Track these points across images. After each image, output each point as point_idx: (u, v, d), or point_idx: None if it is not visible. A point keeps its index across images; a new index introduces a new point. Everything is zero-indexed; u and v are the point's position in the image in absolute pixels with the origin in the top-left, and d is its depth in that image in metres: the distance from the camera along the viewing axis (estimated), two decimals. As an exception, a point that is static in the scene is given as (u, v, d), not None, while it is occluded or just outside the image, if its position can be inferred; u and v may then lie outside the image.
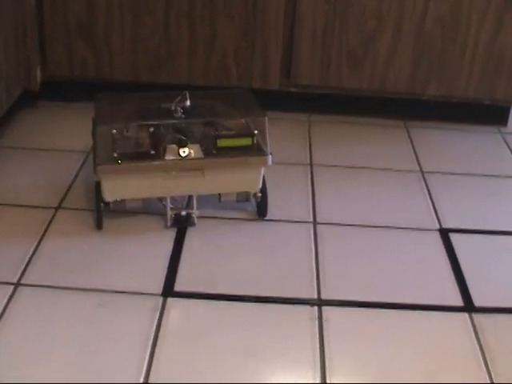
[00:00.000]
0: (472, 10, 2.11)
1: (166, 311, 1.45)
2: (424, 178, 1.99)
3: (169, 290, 1.51)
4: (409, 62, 2.18)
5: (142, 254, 1.61)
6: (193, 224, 1.69)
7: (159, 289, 1.51)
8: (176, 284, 1.53)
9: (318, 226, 1.74)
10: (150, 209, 1.72)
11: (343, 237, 1.70)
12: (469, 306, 1.51)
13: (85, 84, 2.27)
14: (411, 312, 1.48)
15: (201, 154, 1.61)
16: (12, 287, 1.48)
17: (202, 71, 2.21)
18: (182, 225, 1.69)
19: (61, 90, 2.31)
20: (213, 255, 1.63)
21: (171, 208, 1.67)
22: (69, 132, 2.14)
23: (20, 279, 1.51)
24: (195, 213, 1.69)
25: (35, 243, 1.63)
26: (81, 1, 2.14)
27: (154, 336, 1.38)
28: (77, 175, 1.89)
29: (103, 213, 1.66)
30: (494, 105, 2.29)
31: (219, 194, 1.69)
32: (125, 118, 1.65)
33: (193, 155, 1.60)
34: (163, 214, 1.70)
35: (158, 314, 1.44)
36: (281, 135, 2.15)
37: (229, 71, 2.21)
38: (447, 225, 1.77)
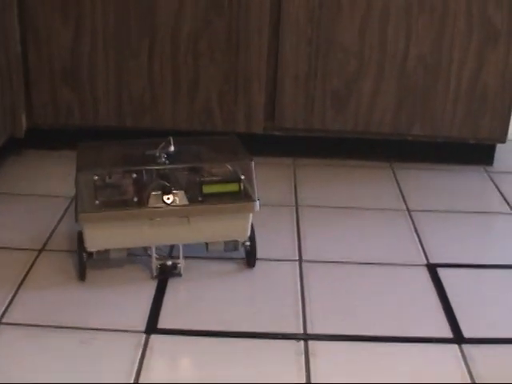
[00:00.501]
0: (453, 47, 2.12)
1: (148, 348, 1.41)
2: (410, 216, 1.98)
3: (152, 327, 1.49)
4: (392, 102, 2.19)
5: (123, 302, 1.57)
6: (179, 274, 1.65)
7: (142, 326, 1.49)
8: (159, 321, 1.51)
9: (304, 264, 1.73)
10: (134, 259, 1.69)
11: (329, 274, 1.69)
12: (458, 338, 1.50)
13: (70, 131, 2.27)
14: (400, 344, 1.46)
15: (186, 201, 1.56)
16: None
17: (186, 116, 2.21)
18: (167, 275, 1.65)
19: (46, 138, 2.32)
20: (197, 293, 1.61)
21: (156, 258, 1.62)
22: (53, 178, 2.13)
23: (1, 318, 1.49)
24: (181, 262, 1.64)
25: (17, 284, 1.61)
26: (65, 47, 2.15)
27: (136, 371, 1.35)
28: (61, 219, 1.89)
29: (86, 263, 1.62)
30: (479, 144, 2.29)
31: (206, 243, 1.66)
32: (107, 164, 1.60)
33: (178, 202, 1.55)
34: (148, 264, 1.65)
35: (140, 351, 1.40)
36: (266, 179, 2.14)
37: (213, 115, 2.21)
38: (434, 260, 1.77)
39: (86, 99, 2.21)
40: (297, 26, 2.12)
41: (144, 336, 1.46)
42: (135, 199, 1.54)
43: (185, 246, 1.64)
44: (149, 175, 1.56)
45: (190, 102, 2.20)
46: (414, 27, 2.12)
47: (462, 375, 1.38)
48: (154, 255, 1.61)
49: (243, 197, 1.59)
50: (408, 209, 2.03)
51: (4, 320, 1.49)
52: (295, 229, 1.90)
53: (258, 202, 1.59)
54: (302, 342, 1.45)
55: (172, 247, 1.71)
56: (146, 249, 1.63)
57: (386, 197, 2.11)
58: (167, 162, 1.57)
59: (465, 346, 1.47)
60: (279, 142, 2.30)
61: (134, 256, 1.67)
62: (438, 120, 2.21)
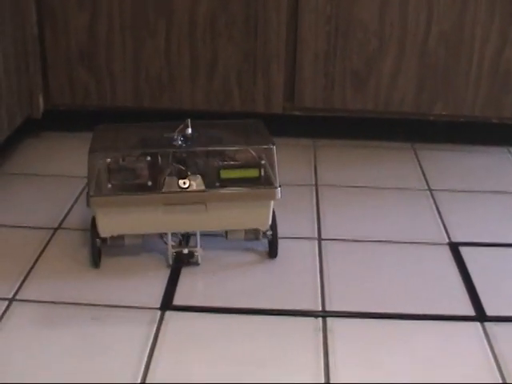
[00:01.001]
0: (475, 25, 2.08)
1: (163, 325, 1.40)
2: (432, 196, 1.95)
3: (167, 304, 1.47)
4: (413, 81, 2.15)
5: (138, 284, 1.55)
6: (196, 263, 1.58)
7: (157, 303, 1.47)
8: (175, 298, 1.49)
9: (323, 242, 1.70)
10: (150, 246, 1.63)
11: (349, 252, 1.66)
12: (481, 316, 1.46)
13: (87, 112, 2.25)
14: (420, 322, 1.43)
15: (203, 186, 1.50)
16: (6, 302, 1.46)
17: (204, 96, 2.19)
18: (184, 264, 1.59)
19: (63, 119, 2.30)
20: (215, 275, 1.59)
21: (172, 245, 1.56)
22: (71, 159, 2.11)
23: (15, 295, 1.48)
24: (199, 251, 1.57)
25: (32, 262, 1.60)
26: (82, 27, 2.13)
27: (150, 348, 1.34)
28: (77, 199, 1.87)
29: (101, 250, 1.58)
30: (503, 123, 2.24)
31: (226, 231, 1.59)
32: (122, 147, 1.55)
33: (194, 187, 1.49)
34: (165, 253, 1.60)
35: (155, 328, 1.39)
36: (286, 159, 2.09)
37: (231, 95, 2.18)
38: (457, 239, 1.73)
39: (103, 80, 2.19)
40: (316, 3, 2.09)
41: (159, 313, 1.43)
42: (149, 183, 1.48)
43: (204, 236, 1.59)
44: (164, 158, 1.49)
45: (208, 82, 2.17)
46: (436, 4, 2.08)
47: (484, 353, 1.35)
48: (170, 242, 1.55)
49: (264, 183, 1.52)
50: (430, 188, 2.00)
51: (18, 297, 1.48)
52: (315, 208, 1.87)
53: (279, 188, 1.52)
54: (320, 319, 1.42)
55: (189, 237, 1.65)
56: (162, 236, 1.57)
57: (408, 177, 2.08)
58: (184, 144, 1.51)
59: (487, 324, 1.44)
60: (299, 122, 2.27)
61: (150, 243, 1.62)
62: (460, 99, 2.17)
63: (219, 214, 1.53)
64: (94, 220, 1.53)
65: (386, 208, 1.88)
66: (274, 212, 1.57)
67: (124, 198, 1.48)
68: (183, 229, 1.58)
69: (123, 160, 1.48)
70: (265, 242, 1.63)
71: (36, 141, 2.28)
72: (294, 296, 1.51)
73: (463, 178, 2.09)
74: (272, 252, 1.62)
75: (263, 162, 1.50)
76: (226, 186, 1.50)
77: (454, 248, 1.70)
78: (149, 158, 1.48)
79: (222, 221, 1.54)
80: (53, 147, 2.23)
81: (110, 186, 1.47)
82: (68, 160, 2.11)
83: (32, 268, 1.59)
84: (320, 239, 1.72)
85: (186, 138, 1.52)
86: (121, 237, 1.54)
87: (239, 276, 1.58)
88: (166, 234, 1.55)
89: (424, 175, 2.09)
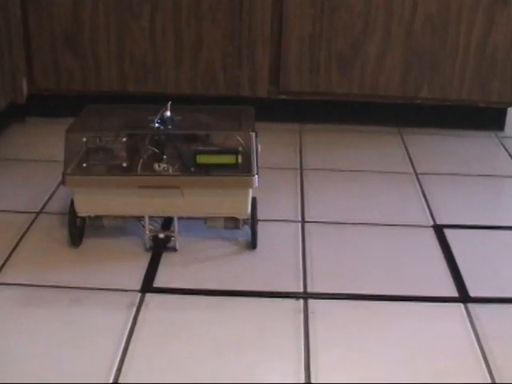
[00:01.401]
0: (462, 8, 2.07)
1: (143, 307, 1.38)
2: (418, 179, 1.94)
3: (148, 286, 1.45)
4: (399, 65, 2.14)
5: (118, 266, 1.53)
6: (174, 249, 1.56)
7: (138, 286, 1.46)
8: (155, 281, 1.48)
9: (307, 225, 1.69)
10: (130, 228, 1.62)
11: (332, 235, 1.65)
12: (464, 297, 1.46)
13: (72, 97, 2.23)
14: (403, 303, 1.42)
15: (178, 171, 1.47)
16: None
17: (189, 79, 2.17)
18: (161, 249, 1.56)
19: (48, 105, 2.29)
20: (194, 258, 1.57)
21: (150, 229, 1.54)
22: (55, 145, 2.06)
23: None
24: (176, 236, 1.55)
25: (13, 245, 1.59)
26: (66, 10, 2.11)
27: (129, 330, 1.33)
28: (60, 184, 1.83)
29: (81, 229, 1.58)
30: (490, 108, 2.23)
31: (205, 218, 1.56)
32: (100, 127, 1.55)
33: (170, 171, 1.47)
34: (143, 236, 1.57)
35: (134, 310, 1.37)
36: (271, 143, 2.11)
37: (216, 79, 2.17)
38: (441, 221, 1.73)
39: (88, 64, 2.18)
40: (301, -14, 2.07)
41: (139, 295, 1.41)
42: (124, 165, 1.47)
43: (183, 223, 1.58)
44: (141, 140, 1.48)
45: (192, 65, 2.16)
46: (422, -14, 2.06)
47: (467, 334, 1.34)
48: (148, 226, 1.53)
49: (241, 170, 1.47)
50: (416, 172, 1.99)
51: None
52: (299, 191, 1.86)
53: (256, 176, 1.47)
54: (301, 301, 1.41)
55: (170, 222, 1.62)
56: (140, 219, 1.56)
57: (394, 161, 2.07)
58: (162, 127, 1.49)
59: (471, 305, 1.43)
60: (285, 106, 2.26)
61: (131, 226, 1.62)
62: (446, 83, 2.16)
63: (195, 200, 1.50)
64: (72, 200, 1.52)
65: (371, 191, 1.88)
66: (255, 200, 1.55)
67: (98, 179, 1.47)
68: (159, 213, 1.55)
69: (100, 140, 1.46)
70: (246, 230, 1.58)
71: (20, 126, 2.27)
72: (275, 278, 1.50)
73: (449, 162, 2.08)
74: (252, 243, 1.58)
75: (241, 148, 1.46)
76: (201, 172, 1.47)
77: (439, 230, 1.69)
78: (124, 139, 1.47)
79: (197, 207, 1.51)
80: (37, 132, 2.22)
81: (84, 165, 1.46)
82: (52, 145, 2.09)
83: (12, 252, 1.57)
84: (303, 222, 1.71)
85: (165, 121, 1.49)
86: (99, 217, 1.54)
87: (220, 259, 1.57)
88: (143, 217, 1.53)
89: (410, 159, 2.09)
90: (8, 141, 2.17)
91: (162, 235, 1.55)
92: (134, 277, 1.49)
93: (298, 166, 2.01)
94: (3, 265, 1.52)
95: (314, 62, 2.15)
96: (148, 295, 1.43)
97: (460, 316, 1.40)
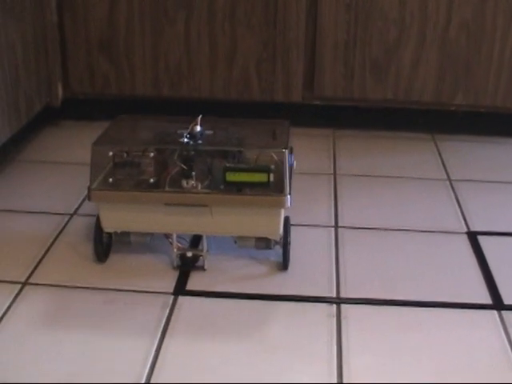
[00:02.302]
0: (497, 14, 2.06)
1: (176, 308, 1.40)
2: (452, 186, 1.93)
3: (180, 289, 1.46)
4: (434, 71, 2.13)
5: (148, 276, 1.51)
6: (202, 268, 1.51)
7: (170, 288, 1.47)
8: (188, 284, 1.48)
9: (340, 230, 1.69)
10: (158, 245, 1.57)
11: (366, 240, 1.64)
12: (498, 304, 1.44)
13: (106, 101, 2.25)
14: (437, 310, 1.41)
15: (207, 188, 1.41)
16: (19, 286, 1.46)
17: (223, 85, 2.18)
18: (189, 267, 1.51)
19: (83, 108, 2.30)
20: (225, 266, 1.56)
21: (178, 247, 1.49)
22: (88, 148, 2.09)
23: (28, 279, 1.49)
24: (204, 255, 1.50)
25: (46, 247, 1.61)
26: (102, 16, 2.13)
27: (162, 330, 1.33)
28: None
29: (107, 245, 1.54)
30: (524, 114, 2.21)
31: (235, 237, 1.49)
32: (128, 140, 1.48)
33: (198, 188, 1.41)
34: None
35: (167, 311, 1.38)
36: (304, 148, 2.11)
37: (250, 84, 2.17)
38: (475, 228, 1.71)
39: (123, 68, 2.19)
40: (336, -8, 2.07)
41: (172, 297, 1.42)
42: (151, 181, 1.42)
43: (213, 240, 1.54)
44: (169, 156, 1.43)
45: (227, 70, 2.16)
46: (456, -8, 2.05)
47: (501, 341, 1.33)
48: (175, 244, 1.48)
49: (273, 189, 1.40)
50: (449, 178, 1.98)
51: (31, 280, 1.49)
52: (332, 196, 1.86)
53: (289, 196, 1.40)
54: (334, 306, 1.41)
55: (199, 239, 1.56)
56: (167, 236, 1.50)
57: (427, 167, 2.06)
58: (191, 142, 1.43)
59: (505, 313, 1.41)
60: (318, 112, 2.26)
61: (158, 243, 1.56)
62: (481, 89, 2.15)
63: (224, 219, 1.43)
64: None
65: (404, 197, 1.86)
66: (287, 220, 1.49)
67: (124, 194, 1.42)
68: (186, 231, 1.51)
69: (127, 154, 1.41)
70: (278, 250, 1.52)
71: (55, 129, 2.29)
72: (308, 282, 1.49)
73: (483, 169, 2.06)
74: (284, 264, 1.52)
75: (273, 166, 1.40)
76: (231, 190, 1.41)
77: (473, 237, 1.68)
78: (152, 154, 1.41)
79: (227, 226, 1.44)
80: (71, 136, 2.23)
81: (111, 180, 1.42)
82: (86, 148, 2.08)
83: (46, 253, 1.59)
84: (337, 227, 1.70)
85: (194, 135, 1.44)
86: (126, 233, 1.49)
87: (253, 263, 1.56)
88: (171, 234, 1.48)
89: (444, 165, 2.07)
90: (43, 144, 2.19)
91: (189, 254, 1.50)
92: (167, 281, 1.49)
93: (332, 172, 2.01)
94: (36, 266, 1.53)
95: (348, 68, 2.14)
96: (181, 298, 1.42)
97: (494, 323, 1.38)
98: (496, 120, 2.26)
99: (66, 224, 1.70)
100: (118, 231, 1.48)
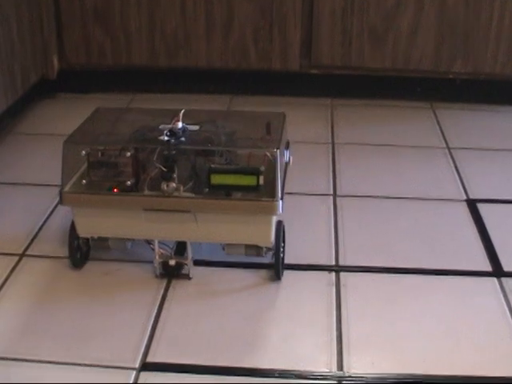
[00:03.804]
0: (496, -21, 2.02)
1: (171, 285, 1.36)
2: (451, 154, 1.92)
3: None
4: (432, 38, 2.12)
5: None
6: (186, 277, 1.38)
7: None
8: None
9: (338, 198, 1.68)
10: (139, 252, 1.44)
11: (364, 208, 1.64)
12: (498, 271, 1.43)
13: (102, 73, 2.23)
14: (436, 277, 1.41)
15: (190, 192, 1.28)
16: (17, 258, 1.45)
17: (220, 53, 2.16)
18: (172, 276, 1.38)
19: (79, 81, 2.29)
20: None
21: (160, 254, 1.36)
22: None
23: (25, 250, 1.48)
24: (189, 263, 1.36)
25: (44, 218, 1.60)
26: (96, -15, 2.09)
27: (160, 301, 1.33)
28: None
29: (85, 250, 1.42)
30: (524, 81, 2.20)
31: (224, 244, 1.35)
32: (104, 138, 1.34)
33: (180, 192, 1.28)
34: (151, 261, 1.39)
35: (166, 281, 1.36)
36: (302, 117, 2.10)
37: (247, 53, 2.16)
38: (474, 195, 1.71)
39: (118, 39, 2.18)
40: (333, -42, 2.04)
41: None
42: (128, 183, 1.28)
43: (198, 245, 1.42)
44: (149, 155, 1.29)
45: (224, 39, 2.15)
46: (455, -42, 2.03)
47: (501, 308, 1.33)
48: (157, 250, 1.35)
49: (263, 193, 1.26)
50: (448, 147, 1.97)
51: (28, 252, 1.49)
52: (331, 165, 1.85)
53: (280, 202, 1.26)
54: (333, 274, 1.40)
55: (184, 245, 1.40)
56: (149, 242, 1.37)
57: (426, 135, 2.05)
58: (172, 140, 1.28)
59: (504, 280, 1.41)
60: (316, 81, 2.24)
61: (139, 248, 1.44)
62: (480, 56, 2.14)
63: (210, 226, 1.30)
64: None
65: (403, 165, 1.86)
66: (280, 225, 1.33)
67: (99, 198, 1.29)
68: (169, 237, 1.37)
69: (102, 154, 1.28)
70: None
71: (51, 102, 2.27)
72: (307, 251, 1.49)
73: (482, 137, 2.05)
74: (276, 273, 1.37)
75: (263, 168, 1.25)
76: (216, 194, 1.28)
77: (472, 205, 1.67)
78: (129, 154, 1.27)
79: (213, 233, 1.31)
80: (68, 108, 2.22)
81: (84, 182, 1.30)
82: (82, 120, 2.09)
83: (43, 224, 1.58)
84: (335, 195, 1.70)
85: (175, 132, 1.29)
86: (104, 239, 1.36)
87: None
88: (153, 240, 1.35)
89: (442, 133, 2.06)
90: (39, 116, 2.17)
91: (172, 262, 1.36)
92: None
93: (330, 141, 1.99)
94: (34, 238, 1.53)
95: (345, 36, 2.13)
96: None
97: (493, 290, 1.38)
98: (495, 87, 2.25)
99: (62, 195, 1.66)
100: (95, 237, 1.36)
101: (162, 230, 1.31)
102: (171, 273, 1.37)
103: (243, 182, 1.25)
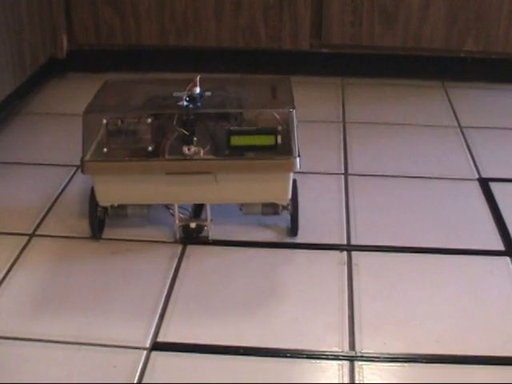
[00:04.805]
0: (509, -44, 2.00)
1: (185, 257, 1.39)
2: (462, 133, 1.91)
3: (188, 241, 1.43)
4: (443, 16, 2.10)
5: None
6: (206, 239, 1.42)
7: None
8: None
9: (350, 177, 1.67)
10: (157, 217, 1.48)
11: (376, 187, 1.63)
12: (510, 250, 1.43)
13: (112, 52, 2.22)
14: (449, 256, 1.40)
15: (211, 154, 1.31)
16: (27, 238, 1.45)
17: (230, 33, 2.15)
18: (192, 239, 1.42)
19: (89, 60, 2.28)
20: (231, 216, 1.52)
21: (180, 218, 1.39)
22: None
23: (35, 230, 1.48)
24: (208, 225, 1.41)
25: (54, 198, 1.60)
26: (105, -35, 2.08)
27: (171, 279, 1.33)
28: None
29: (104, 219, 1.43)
30: (536, 60, 2.17)
31: (241, 204, 1.42)
32: (122, 107, 1.36)
33: (201, 155, 1.30)
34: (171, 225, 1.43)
35: (175, 262, 1.37)
36: (313, 97, 2.09)
37: (257, 32, 2.14)
38: (487, 174, 1.70)
39: (128, 18, 2.17)
40: None
41: (180, 247, 1.41)
42: (150, 149, 1.31)
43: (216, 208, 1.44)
44: (168, 121, 1.31)
45: (233, 18, 2.13)
46: None
47: (513, 287, 1.29)
48: (177, 215, 1.39)
49: (280, 152, 1.31)
50: (460, 126, 1.96)
51: (38, 232, 1.48)
52: (342, 144, 1.84)
53: (298, 159, 1.31)
54: (345, 253, 1.39)
55: (201, 208, 1.48)
56: (168, 207, 1.41)
57: (438, 114, 2.03)
58: (191, 105, 1.32)
59: (517, 259, 1.38)
60: (327, 60, 2.22)
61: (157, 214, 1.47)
62: (492, 35, 2.12)
63: (229, 186, 1.34)
64: (92, 187, 1.37)
65: (414, 144, 1.84)
66: (295, 183, 1.39)
67: (121, 165, 1.31)
68: (189, 201, 1.42)
69: (122, 122, 1.29)
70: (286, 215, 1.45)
71: (61, 81, 2.27)
72: (319, 230, 1.48)
73: (494, 116, 2.04)
74: (293, 229, 1.44)
75: (280, 127, 1.31)
76: (236, 155, 1.31)
77: (484, 183, 1.66)
78: (149, 121, 1.30)
79: (233, 193, 1.36)
80: (77, 88, 2.21)
81: (105, 150, 1.31)
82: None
83: (53, 204, 1.58)
84: (347, 174, 1.69)
85: (194, 98, 1.33)
86: (123, 207, 1.39)
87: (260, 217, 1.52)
88: (172, 204, 1.39)
89: (454, 112, 2.05)
90: (49, 96, 2.17)
91: (193, 225, 1.40)
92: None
93: (341, 120, 1.98)
94: (43, 218, 1.53)
95: (356, 15, 2.11)
96: (190, 247, 1.40)
97: (506, 269, 1.37)
98: (507, 66, 2.23)
99: (72, 175, 1.68)
100: (115, 204, 1.38)
101: (183, 193, 1.35)
102: (191, 236, 1.41)
103: (262, 142, 1.31)
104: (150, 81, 1.51)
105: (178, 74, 2.14)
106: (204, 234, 1.42)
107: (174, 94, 1.35)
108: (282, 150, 1.31)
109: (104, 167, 1.32)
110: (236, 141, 1.31)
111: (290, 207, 1.40)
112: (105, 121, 1.30)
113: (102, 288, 1.30)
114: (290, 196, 1.37)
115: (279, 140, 1.30)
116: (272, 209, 1.41)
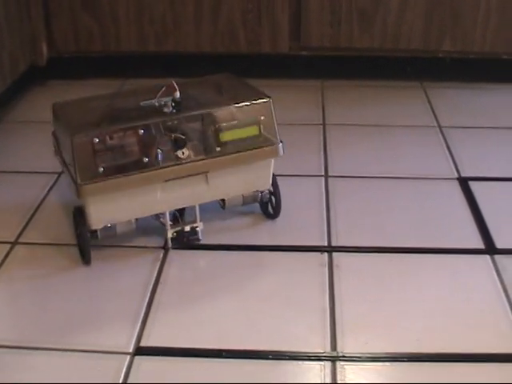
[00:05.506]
0: (484, -45, 2.02)
1: (166, 263, 1.40)
2: (442, 133, 1.92)
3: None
4: (421, 17, 2.11)
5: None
6: (197, 240, 1.44)
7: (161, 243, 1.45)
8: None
9: (330, 179, 1.67)
10: (144, 228, 1.46)
11: (357, 189, 1.64)
12: (490, 249, 1.44)
13: (92, 59, 2.22)
14: (430, 256, 1.41)
15: (202, 154, 1.34)
16: (9, 246, 1.46)
17: (210, 38, 2.15)
18: (186, 244, 1.43)
19: (69, 67, 2.27)
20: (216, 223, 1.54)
21: (171, 225, 1.41)
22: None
23: (18, 238, 1.48)
24: (199, 226, 1.42)
25: (36, 205, 1.61)
26: (83, -30, 2.08)
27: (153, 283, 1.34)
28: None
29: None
30: (513, 59, 2.19)
31: (223, 201, 1.46)
32: (105, 123, 1.32)
33: (193, 156, 1.33)
34: (161, 234, 1.45)
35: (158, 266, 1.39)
36: (293, 99, 2.09)
37: (237, 36, 2.15)
38: (466, 173, 1.71)
39: (107, 25, 2.17)
40: None
41: (162, 252, 1.43)
42: (145, 160, 1.30)
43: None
44: (156, 130, 1.31)
45: (212, 23, 2.14)
46: None
47: (494, 285, 1.33)
48: (169, 222, 1.40)
49: (265, 140, 1.39)
50: (439, 125, 1.97)
51: (20, 240, 1.49)
52: (322, 146, 1.85)
53: (280, 144, 1.40)
54: (326, 254, 1.40)
55: (183, 212, 1.47)
56: (158, 217, 1.42)
57: (417, 115, 2.05)
58: (174, 111, 1.34)
59: (497, 257, 1.41)
60: (306, 63, 2.23)
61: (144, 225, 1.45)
62: (469, 35, 2.13)
63: (218, 183, 1.40)
64: (78, 211, 1.35)
65: (394, 145, 1.86)
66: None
67: (120, 181, 1.29)
68: (182, 205, 1.42)
69: (110, 138, 1.28)
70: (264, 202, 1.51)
71: (42, 89, 2.26)
72: (300, 232, 1.49)
73: (473, 115, 2.05)
74: (275, 211, 1.51)
75: (263, 117, 1.38)
76: (226, 150, 1.36)
77: (464, 183, 1.67)
78: (141, 131, 1.30)
79: (222, 189, 1.42)
80: (58, 95, 2.19)
81: (101, 169, 1.28)
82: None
83: (35, 212, 1.58)
84: (327, 176, 1.69)
85: (177, 102, 1.35)
86: (112, 226, 1.37)
87: (243, 216, 1.55)
88: (162, 213, 1.40)
89: (433, 112, 2.06)
90: (30, 104, 2.17)
91: (187, 228, 1.42)
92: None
93: (321, 122, 1.99)
94: (26, 225, 1.54)
95: (334, 17, 2.12)
96: (171, 251, 1.41)
97: (486, 268, 1.38)
98: (485, 66, 2.24)
99: (54, 183, 1.68)
100: (108, 225, 1.36)
101: (178, 198, 1.38)
102: (184, 240, 1.42)
103: (248, 133, 1.37)
104: (102, 97, 1.47)
105: (158, 79, 2.13)
106: (195, 237, 1.44)
107: (143, 103, 1.36)
108: (265, 138, 1.39)
109: (102, 187, 1.29)
110: (225, 136, 1.36)
111: (269, 192, 1.48)
112: (96, 139, 1.27)
113: (85, 294, 1.31)
114: (271, 180, 1.45)
115: (262, 129, 1.37)
116: (252, 198, 1.48)
